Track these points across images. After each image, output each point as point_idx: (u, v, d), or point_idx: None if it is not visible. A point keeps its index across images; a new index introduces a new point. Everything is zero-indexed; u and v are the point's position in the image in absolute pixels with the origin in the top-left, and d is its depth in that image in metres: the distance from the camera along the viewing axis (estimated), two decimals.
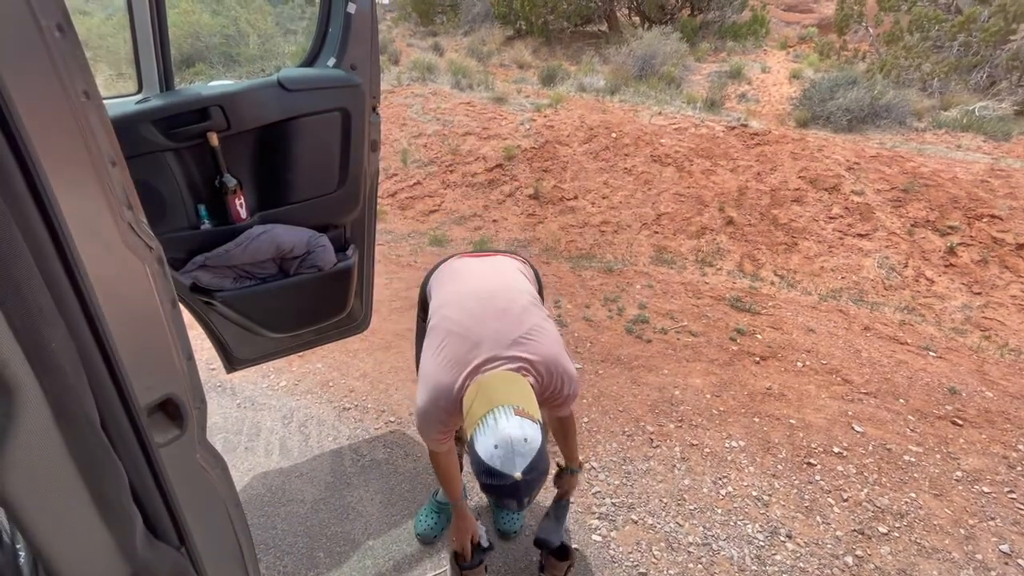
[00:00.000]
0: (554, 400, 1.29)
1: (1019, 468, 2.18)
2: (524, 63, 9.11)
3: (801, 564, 1.74)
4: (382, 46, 9.14)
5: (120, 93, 1.46)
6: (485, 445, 1.01)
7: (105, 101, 0.72)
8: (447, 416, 1.22)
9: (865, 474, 2.13)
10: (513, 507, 1.06)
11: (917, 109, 6.18)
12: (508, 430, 1.00)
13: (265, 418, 2.33)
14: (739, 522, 1.88)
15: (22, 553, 0.49)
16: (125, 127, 1.21)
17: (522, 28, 10.50)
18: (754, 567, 1.72)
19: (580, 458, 1.64)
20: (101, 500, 0.55)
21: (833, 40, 9.09)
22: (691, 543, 1.80)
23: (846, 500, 2.00)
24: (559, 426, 1.47)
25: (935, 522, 1.92)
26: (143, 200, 0.62)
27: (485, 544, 1.47)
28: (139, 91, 1.45)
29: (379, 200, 4.04)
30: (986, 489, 2.08)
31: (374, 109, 1.50)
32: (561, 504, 1.57)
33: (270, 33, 10.29)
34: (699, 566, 1.72)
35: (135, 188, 0.60)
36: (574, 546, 1.61)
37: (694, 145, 5.44)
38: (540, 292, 1.53)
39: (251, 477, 2.01)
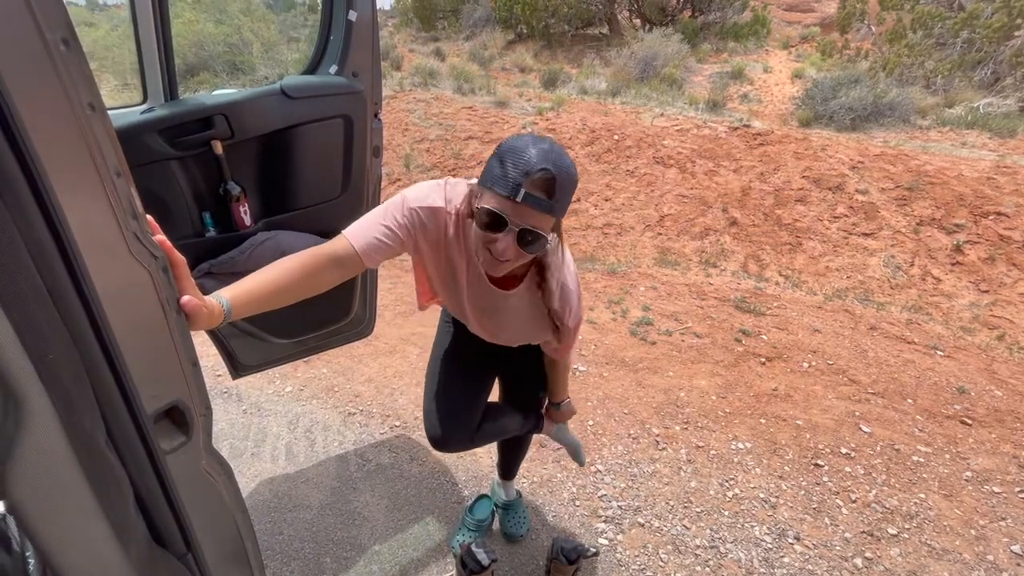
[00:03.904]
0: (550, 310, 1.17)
1: None
2: (525, 67, 9.13)
3: (810, 567, 1.73)
4: (384, 52, 9.20)
5: (125, 103, 1.48)
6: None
7: (110, 112, 0.73)
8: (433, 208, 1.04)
9: (873, 475, 2.11)
10: (540, 157, 0.87)
11: (921, 107, 6.15)
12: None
13: (271, 424, 2.34)
14: (746, 524, 1.87)
15: (31, 560, 0.49)
16: (130, 137, 1.22)
17: (523, 32, 10.54)
18: (762, 570, 1.71)
19: (586, 456, 1.62)
20: (108, 508, 0.56)
21: (835, 39, 9.08)
22: (698, 546, 1.78)
23: (854, 501, 1.98)
24: (554, 371, 1.42)
25: (945, 523, 1.90)
26: (148, 208, 0.63)
27: (486, 562, 1.46)
28: (144, 101, 1.47)
29: None
30: (996, 489, 2.06)
31: (376, 115, 1.51)
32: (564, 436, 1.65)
33: (273, 41, 10.37)
34: (706, 569, 1.71)
35: (140, 197, 0.60)
36: (591, 548, 1.60)
37: (697, 146, 5.43)
38: None
39: (257, 483, 2.02)
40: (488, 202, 0.90)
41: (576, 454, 1.68)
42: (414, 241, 1.07)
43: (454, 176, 5.51)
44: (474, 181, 1.08)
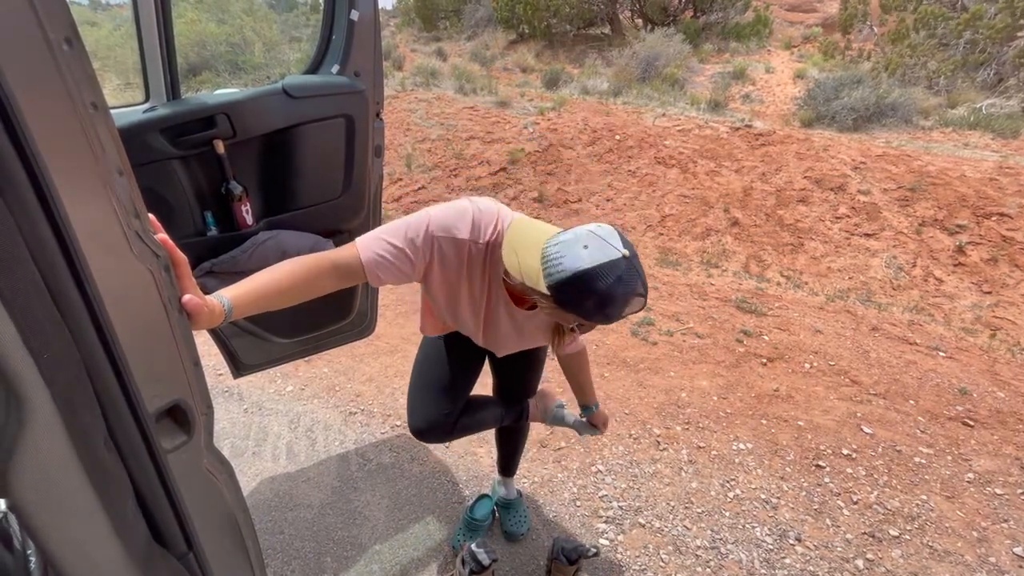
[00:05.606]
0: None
1: None
2: (527, 67, 9.14)
3: (811, 568, 1.72)
4: (385, 52, 9.21)
5: (128, 102, 1.48)
6: (573, 254, 0.86)
7: (113, 111, 0.73)
8: (474, 231, 1.04)
9: (875, 476, 2.11)
10: (638, 303, 0.89)
11: (923, 107, 6.14)
12: (581, 229, 0.91)
13: (272, 423, 2.34)
14: (747, 525, 1.87)
15: (32, 559, 0.49)
16: (133, 136, 1.23)
17: (525, 32, 10.54)
18: (763, 571, 1.71)
19: (587, 456, 1.61)
20: (109, 507, 0.56)
21: (837, 39, 9.07)
22: (699, 547, 1.78)
23: (856, 503, 1.98)
24: (573, 364, 1.45)
25: (947, 524, 1.90)
26: (150, 207, 0.63)
27: (486, 562, 1.46)
28: (146, 100, 1.47)
29: (384, 205, 4.06)
30: (998, 491, 2.05)
31: (378, 115, 1.51)
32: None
33: (275, 41, 10.39)
34: (707, 570, 1.71)
35: (142, 196, 0.61)
36: (591, 548, 1.60)
37: (698, 146, 5.43)
38: None
39: (258, 482, 2.02)
40: (586, 322, 1.01)
41: (580, 429, 1.64)
42: (426, 266, 1.05)
43: (455, 176, 5.51)
44: (496, 202, 1.09)
